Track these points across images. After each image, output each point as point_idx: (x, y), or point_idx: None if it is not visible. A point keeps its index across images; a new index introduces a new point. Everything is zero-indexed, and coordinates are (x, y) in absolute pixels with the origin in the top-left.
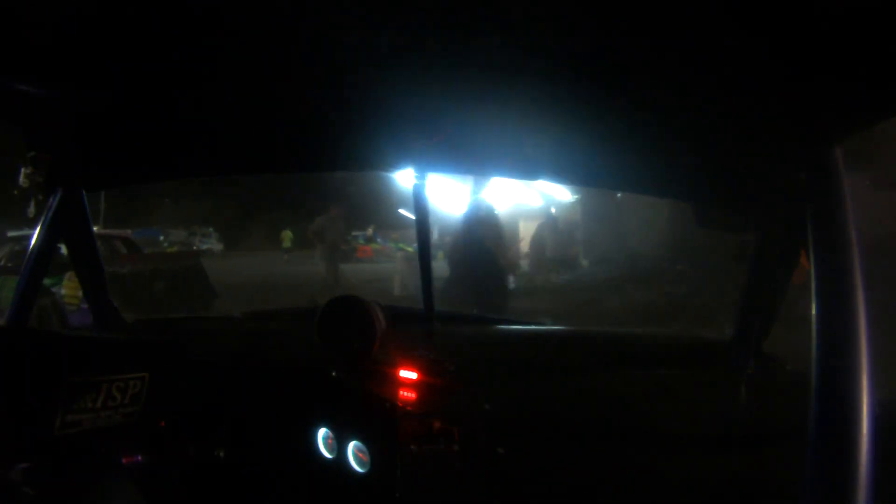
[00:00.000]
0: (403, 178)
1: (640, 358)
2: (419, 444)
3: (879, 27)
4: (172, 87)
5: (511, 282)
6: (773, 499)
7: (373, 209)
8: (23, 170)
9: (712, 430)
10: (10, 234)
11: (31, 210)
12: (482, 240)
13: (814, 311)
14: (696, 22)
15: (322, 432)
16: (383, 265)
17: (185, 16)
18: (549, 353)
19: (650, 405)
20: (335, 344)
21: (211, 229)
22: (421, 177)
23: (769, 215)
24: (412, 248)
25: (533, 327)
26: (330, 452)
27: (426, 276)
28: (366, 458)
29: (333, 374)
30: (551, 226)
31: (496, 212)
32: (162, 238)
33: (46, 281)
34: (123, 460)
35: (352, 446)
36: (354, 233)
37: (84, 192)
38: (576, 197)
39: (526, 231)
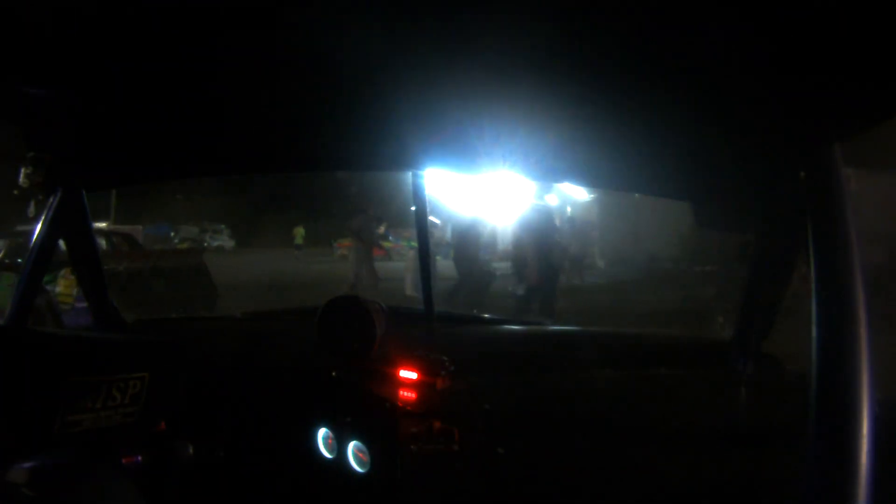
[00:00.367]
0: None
1: (641, 358)
2: (419, 444)
3: (879, 27)
4: (172, 87)
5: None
6: (772, 498)
7: (385, 207)
8: (23, 170)
9: (712, 430)
10: (20, 227)
11: (31, 210)
12: (540, 242)
13: (814, 311)
14: (695, 22)
15: (322, 432)
16: (395, 263)
17: (184, 15)
18: (550, 353)
19: (650, 405)
20: (335, 344)
21: (223, 226)
22: (421, 177)
23: (769, 215)
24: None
25: (533, 327)
26: (330, 452)
27: (426, 275)
28: (366, 458)
29: (333, 374)
30: (567, 225)
31: (553, 214)
32: (173, 234)
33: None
34: (123, 460)
35: (352, 446)
36: None
37: (84, 192)
38: (592, 196)
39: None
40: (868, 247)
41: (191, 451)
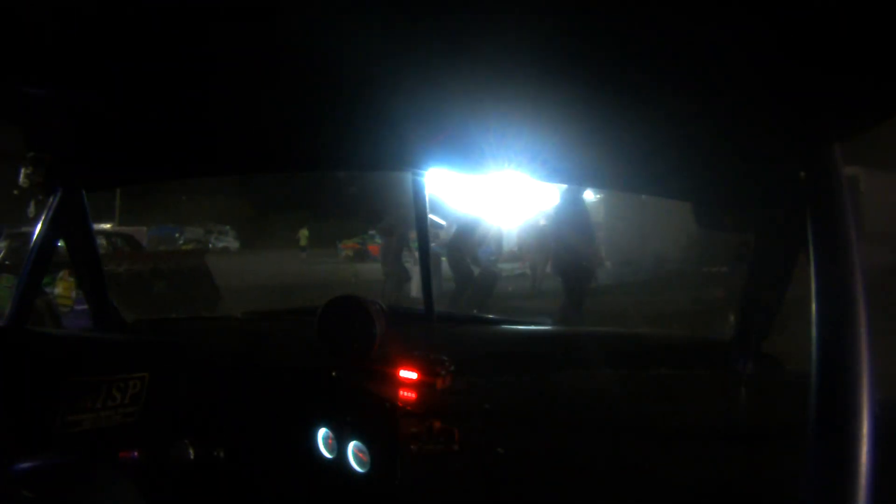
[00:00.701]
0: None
1: (641, 357)
2: (419, 444)
3: (879, 26)
4: (172, 87)
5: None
6: (772, 498)
7: (391, 208)
8: (23, 170)
9: (712, 430)
10: (18, 229)
11: (31, 210)
12: (577, 237)
13: (814, 311)
14: (695, 22)
15: (322, 432)
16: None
17: (184, 15)
18: (550, 353)
19: (650, 405)
20: (335, 344)
21: (227, 227)
22: (421, 176)
23: (769, 215)
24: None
25: (533, 327)
26: (330, 452)
27: (426, 276)
28: (366, 458)
29: (333, 374)
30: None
31: (587, 212)
32: (177, 236)
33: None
34: (123, 460)
35: (352, 446)
36: (371, 231)
37: (84, 192)
38: (598, 196)
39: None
40: (874, 247)
41: (191, 451)
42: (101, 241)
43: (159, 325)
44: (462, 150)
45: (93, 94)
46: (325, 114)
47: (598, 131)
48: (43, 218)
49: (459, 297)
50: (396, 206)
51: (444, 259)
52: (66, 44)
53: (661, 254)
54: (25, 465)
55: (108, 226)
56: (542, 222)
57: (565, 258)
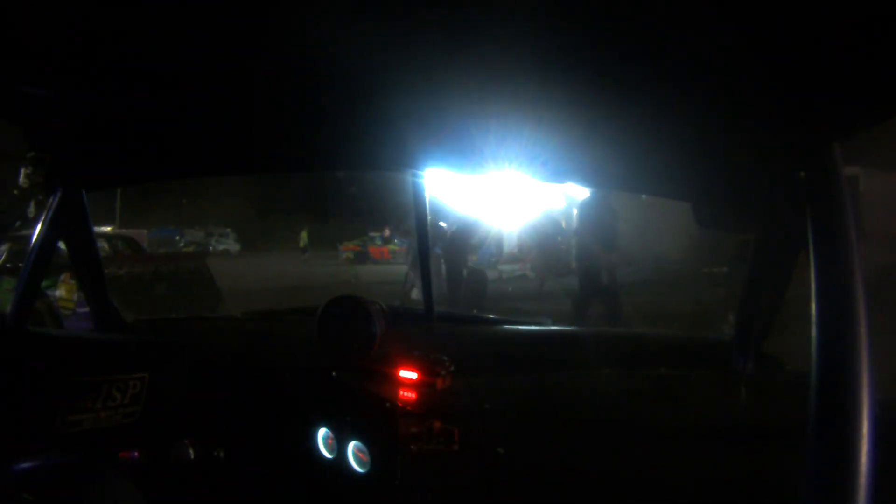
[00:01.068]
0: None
1: (641, 357)
2: (419, 444)
3: (879, 27)
4: (172, 87)
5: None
6: (772, 498)
7: (391, 210)
8: (23, 170)
9: (712, 430)
10: (24, 232)
11: (31, 210)
12: (605, 237)
13: (814, 311)
14: (696, 22)
15: (322, 432)
16: (401, 266)
17: (185, 15)
18: (550, 353)
19: (650, 405)
20: (335, 344)
21: (228, 230)
22: (421, 176)
23: (769, 215)
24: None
25: (533, 327)
26: (330, 452)
27: (426, 276)
28: (366, 458)
29: (333, 374)
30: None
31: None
32: (178, 238)
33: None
34: (123, 460)
35: (352, 446)
36: (371, 234)
37: (84, 192)
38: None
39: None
40: (874, 247)
41: (191, 451)
42: (102, 243)
43: (159, 325)
44: (462, 150)
45: (93, 94)
46: (326, 114)
47: (599, 131)
48: (43, 218)
49: (452, 298)
50: (396, 208)
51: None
52: (66, 44)
53: (661, 254)
54: (25, 465)
55: (108, 228)
56: (559, 223)
57: (592, 259)
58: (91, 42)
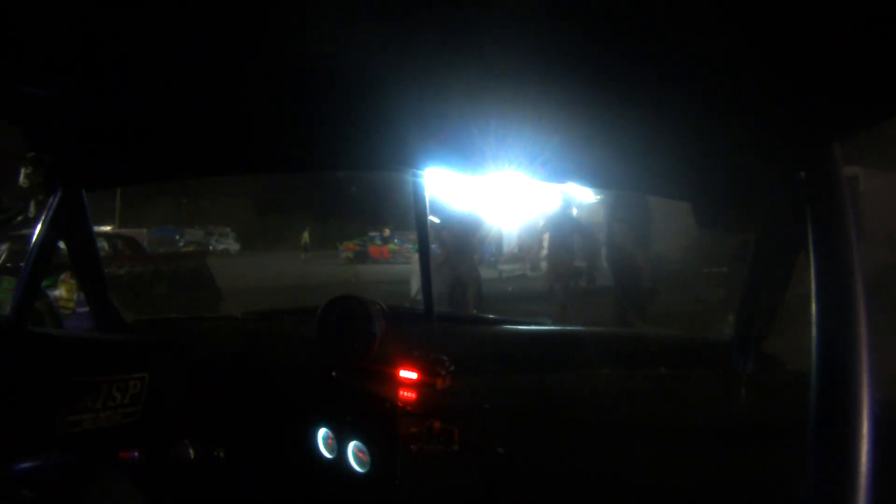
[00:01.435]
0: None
1: (641, 357)
2: (419, 444)
3: (879, 27)
4: (172, 87)
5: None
6: (772, 498)
7: (391, 210)
8: (23, 170)
9: (712, 430)
10: (24, 231)
11: (31, 210)
12: (639, 236)
13: (814, 311)
14: (696, 22)
15: (322, 432)
16: (400, 266)
17: (185, 15)
18: (550, 353)
19: (650, 405)
20: (335, 344)
21: (228, 229)
22: (420, 177)
23: (769, 215)
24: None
25: (533, 327)
26: (330, 452)
27: (426, 276)
28: (366, 458)
29: (333, 374)
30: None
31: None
32: (178, 238)
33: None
34: (120, 454)
35: (352, 446)
36: (371, 233)
37: (84, 192)
38: (598, 198)
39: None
40: (874, 247)
41: (191, 451)
42: (102, 242)
43: (159, 325)
44: (462, 150)
45: (93, 94)
46: (326, 114)
47: (599, 131)
48: (43, 218)
49: (451, 299)
50: (396, 208)
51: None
52: (66, 44)
53: (661, 254)
54: (25, 465)
55: (108, 228)
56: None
57: (629, 258)
58: (91, 42)
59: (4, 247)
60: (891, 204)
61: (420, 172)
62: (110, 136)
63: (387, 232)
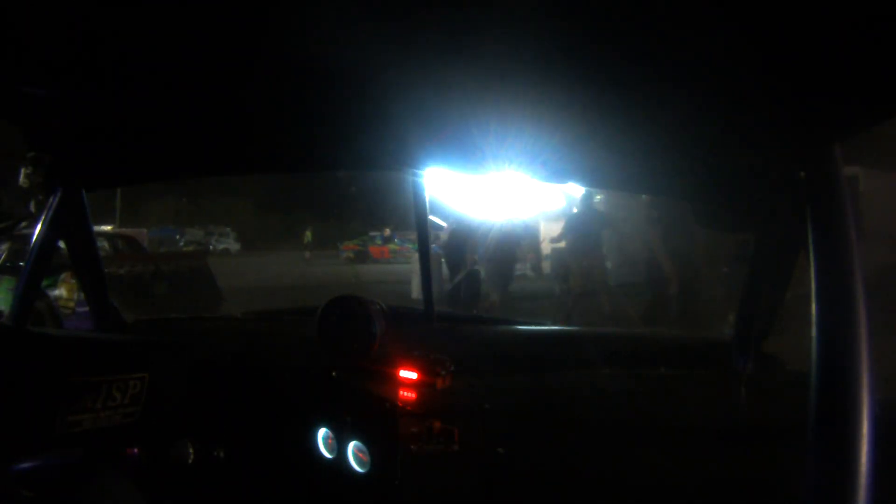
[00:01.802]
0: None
1: (641, 357)
2: (419, 444)
3: (878, 27)
4: (172, 87)
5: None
6: (772, 498)
7: (391, 209)
8: (23, 170)
9: (712, 430)
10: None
11: (32, 210)
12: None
13: (814, 311)
14: (696, 22)
15: (322, 432)
16: (401, 266)
17: (184, 15)
18: (550, 353)
19: (650, 405)
20: (335, 344)
21: (228, 229)
22: (420, 177)
23: (769, 215)
24: (433, 250)
25: (533, 327)
26: (330, 452)
27: (426, 276)
28: (366, 458)
29: (333, 374)
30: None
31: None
32: (178, 237)
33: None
34: (123, 460)
35: (352, 446)
36: (372, 233)
37: (84, 192)
38: (598, 197)
39: (547, 233)
40: (874, 247)
41: (191, 451)
42: (102, 242)
43: (159, 325)
44: (462, 150)
45: (93, 94)
46: (326, 114)
47: (599, 131)
48: (43, 218)
49: (453, 298)
50: (396, 207)
51: (443, 260)
52: (66, 44)
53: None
54: (25, 465)
55: (108, 227)
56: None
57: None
58: (91, 42)
59: (4, 247)
60: (891, 204)
61: (420, 172)
62: (110, 136)
63: (387, 232)
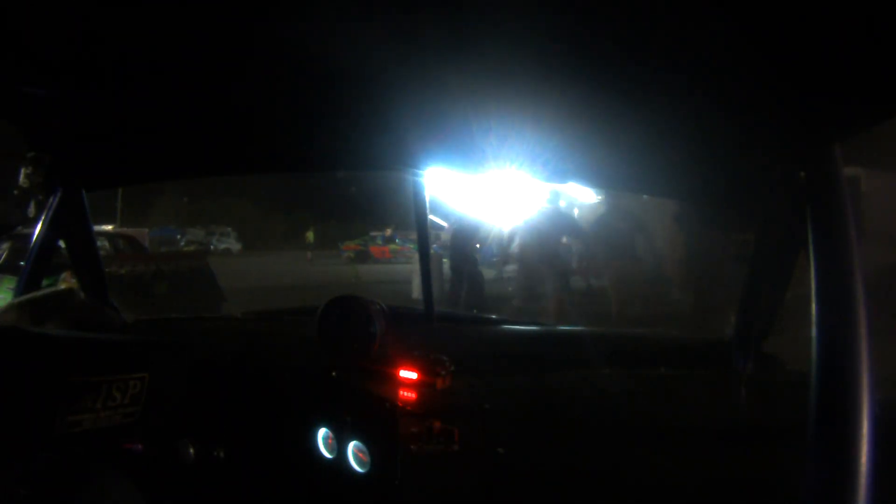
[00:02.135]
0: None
1: (641, 357)
2: (419, 444)
3: (879, 27)
4: (172, 87)
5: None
6: (772, 498)
7: (392, 209)
8: (23, 170)
9: (712, 430)
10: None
11: (31, 210)
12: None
13: (814, 311)
14: (696, 22)
15: (322, 432)
16: (402, 266)
17: (184, 15)
18: (550, 353)
19: (650, 405)
20: (335, 344)
21: (229, 229)
22: (420, 177)
23: (769, 215)
24: (433, 250)
25: (533, 327)
26: (330, 452)
27: (426, 276)
28: (366, 458)
29: (333, 374)
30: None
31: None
32: (179, 237)
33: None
34: (123, 460)
35: (352, 446)
36: (373, 233)
37: (84, 192)
38: (600, 197)
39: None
40: (874, 247)
41: (191, 451)
42: (103, 242)
43: (159, 325)
44: (462, 150)
45: (93, 94)
46: (325, 114)
47: (599, 131)
48: (43, 218)
49: (457, 299)
50: (397, 207)
51: (444, 260)
52: (66, 44)
53: (661, 254)
54: (25, 465)
55: (109, 227)
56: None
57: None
58: (90, 42)
59: (5, 246)
60: (892, 204)
61: (420, 172)
62: (110, 136)
63: (388, 232)
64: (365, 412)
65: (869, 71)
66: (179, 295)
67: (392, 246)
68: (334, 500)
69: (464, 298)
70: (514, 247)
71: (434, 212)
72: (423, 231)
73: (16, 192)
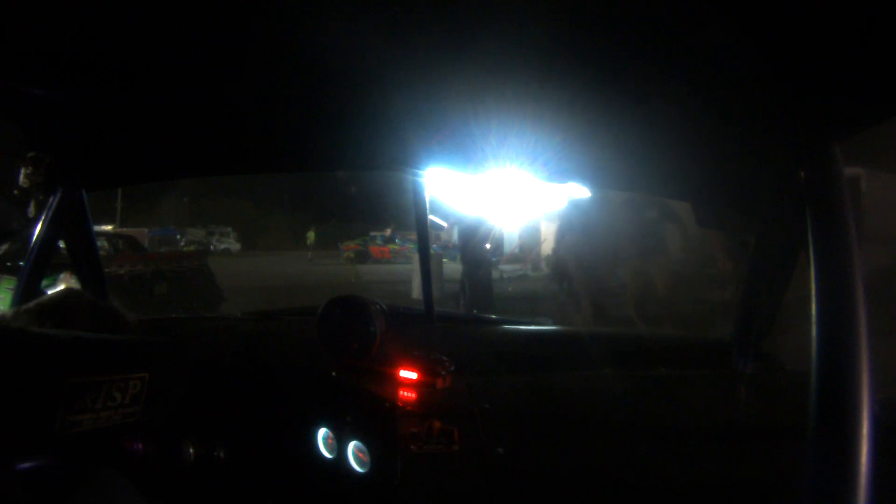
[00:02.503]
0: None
1: (641, 357)
2: (419, 444)
3: (878, 27)
4: (172, 87)
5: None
6: (772, 498)
7: (392, 209)
8: (23, 170)
9: (712, 430)
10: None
11: (31, 210)
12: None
13: (814, 311)
14: (696, 22)
15: (322, 432)
16: (402, 266)
17: (185, 15)
18: (550, 353)
19: (651, 405)
20: (335, 344)
21: (229, 229)
22: (420, 177)
23: (769, 215)
24: (433, 250)
25: (533, 327)
26: (330, 452)
27: (426, 276)
28: (366, 458)
29: (333, 374)
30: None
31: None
32: (179, 237)
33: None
34: (123, 460)
35: (352, 446)
36: (372, 233)
37: (84, 192)
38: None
39: (547, 233)
40: (874, 247)
41: (191, 450)
42: (103, 242)
43: (159, 325)
44: (463, 150)
45: (93, 95)
46: (325, 114)
47: (599, 131)
48: (43, 218)
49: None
50: (397, 207)
51: (445, 260)
52: (66, 44)
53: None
54: (25, 465)
55: (109, 227)
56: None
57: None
58: (91, 42)
59: (5, 246)
60: (892, 204)
61: (420, 172)
62: (110, 136)
63: (388, 232)
64: (365, 412)
65: (868, 70)
66: (179, 295)
67: (392, 246)
68: (334, 500)
69: (482, 302)
70: (550, 247)
71: (434, 212)
72: (423, 231)
73: (16, 192)
